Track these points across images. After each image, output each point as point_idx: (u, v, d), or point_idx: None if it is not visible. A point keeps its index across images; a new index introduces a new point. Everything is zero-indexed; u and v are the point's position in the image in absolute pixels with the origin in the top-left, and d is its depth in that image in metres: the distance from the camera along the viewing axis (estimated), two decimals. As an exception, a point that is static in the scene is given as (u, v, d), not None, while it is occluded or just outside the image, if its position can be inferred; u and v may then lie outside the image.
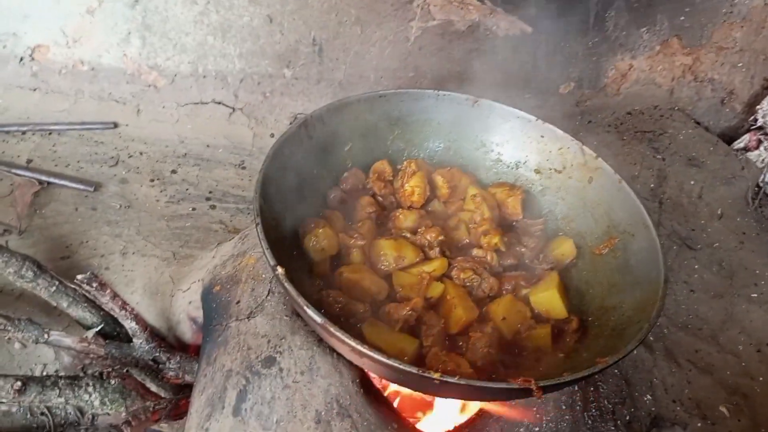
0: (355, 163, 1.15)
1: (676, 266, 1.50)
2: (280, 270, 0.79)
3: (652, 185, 1.69)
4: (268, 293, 0.99)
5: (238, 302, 1.00)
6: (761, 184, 1.75)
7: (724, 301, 1.43)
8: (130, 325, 1.17)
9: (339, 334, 0.73)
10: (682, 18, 1.77)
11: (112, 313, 1.18)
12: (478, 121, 1.21)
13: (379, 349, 0.73)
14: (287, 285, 0.78)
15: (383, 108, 1.15)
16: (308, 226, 0.98)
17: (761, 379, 1.28)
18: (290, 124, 1.67)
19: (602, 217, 1.08)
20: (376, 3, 1.58)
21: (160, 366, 1.23)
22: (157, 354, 1.21)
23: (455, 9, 1.61)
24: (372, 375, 0.97)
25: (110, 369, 1.16)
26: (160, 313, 1.34)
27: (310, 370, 0.88)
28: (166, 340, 1.31)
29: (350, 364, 0.91)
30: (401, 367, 0.71)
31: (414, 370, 0.71)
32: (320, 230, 0.96)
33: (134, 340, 1.20)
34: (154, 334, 1.24)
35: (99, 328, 1.20)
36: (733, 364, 1.30)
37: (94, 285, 1.09)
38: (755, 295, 1.46)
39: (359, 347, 0.72)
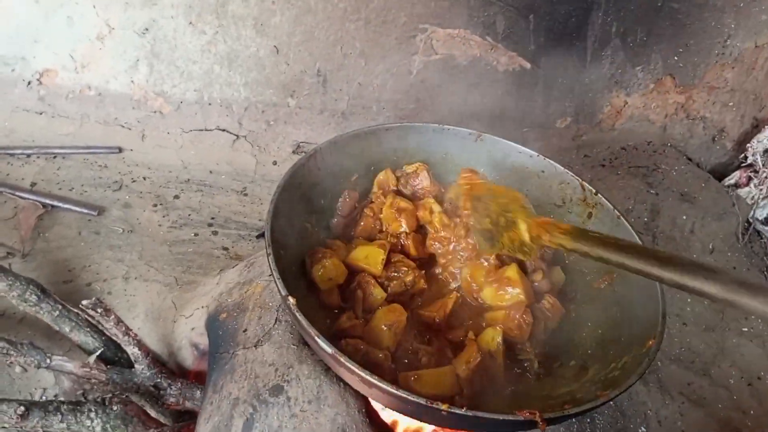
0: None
1: (668, 299, 1.51)
2: (291, 300, 0.81)
3: (645, 219, 1.73)
4: (275, 321, 1.00)
5: (245, 330, 1.01)
6: (751, 220, 1.80)
7: (716, 335, 1.46)
8: (132, 350, 1.18)
9: (349, 364, 0.75)
10: (676, 58, 1.83)
11: (114, 338, 1.18)
12: (480, 155, 1.24)
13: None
14: (298, 315, 0.79)
15: (388, 140, 1.18)
16: (315, 256, 1.00)
17: (752, 412, 1.30)
18: (293, 152, 1.70)
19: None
20: (380, 36, 1.62)
21: (161, 392, 1.23)
22: (159, 380, 1.21)
23: (457, 44, 1.66)
24: (375, 405, 0.98)
25: (111, 395, 1.16)
26: (162, 339, 1.34)
27: (317, 399, 0.89)
28: (166, 366, 1.32)
29: (356, 393, 0.92)
30: (410, 398, 0.73)
31: (422, 401, 0.72)
32: (327, 261, 0.97)
33: (136, 365, 1.20)
34: (155, 360, 1.24)
35: (100, 352, 1.20)
36: (725, 397, 1.32)
37: (99, 310, 1.10)
38: (746, 329, 1.49)
39: (369, 378, 0.74)
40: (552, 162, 1.19)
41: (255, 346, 0.97)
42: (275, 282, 0.84)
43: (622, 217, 1.08)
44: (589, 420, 1.10)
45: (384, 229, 1.09)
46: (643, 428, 1.19)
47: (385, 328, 0.90)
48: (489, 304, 1.01)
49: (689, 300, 1.54)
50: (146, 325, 1.34)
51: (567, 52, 1.74)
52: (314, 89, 1.67)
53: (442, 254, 1.07)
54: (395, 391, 0.73)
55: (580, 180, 1.15)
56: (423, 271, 1.04)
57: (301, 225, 1.03)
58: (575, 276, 1.12)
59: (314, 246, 1.03)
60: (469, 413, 0.73)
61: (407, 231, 1.07)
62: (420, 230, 1.12)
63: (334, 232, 1.11)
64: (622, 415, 1.17)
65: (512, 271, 1.00)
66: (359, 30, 1.59)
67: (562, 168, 1.18)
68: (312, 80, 1.65)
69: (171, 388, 1.22)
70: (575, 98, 1.83)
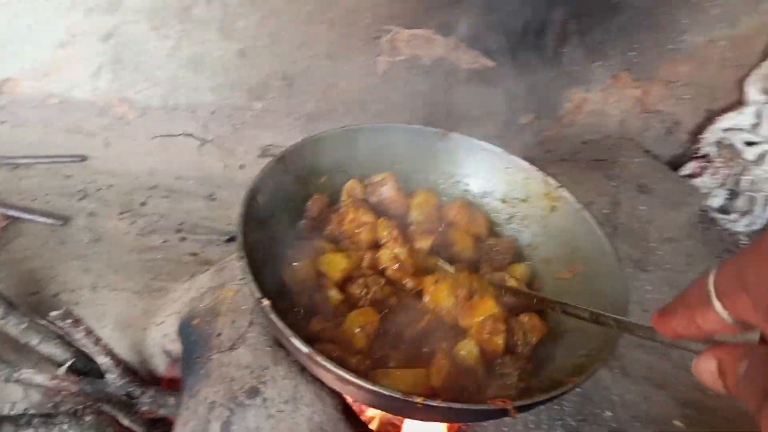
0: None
1: (631, 287, 1.57)
2: (266, 302, 0.82)
3: (606, 211, 1.78)
4: (249, 324, 1.01)
5: (219, 334, 1.01)
6: (706, 209, 1.87)
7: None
8: (103, 360, 1.16)
9: (325, 363, 0.76)
10: (632, 53, 1.88)
11: (84, 349, 1.17)
12: (445, 154, 1.26)
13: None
14: (273, 317, 0.80)
15: (355, 141, 1.20)
16: (287, 258, 1.00)
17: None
18: (260, 155, 1.70)
19: (565, 244, 1.14)
20: (346, 38, 1.63)
21: (134, 401, 1.22)
22: (131, 389, 1.20)
23: (421, 44, 1.68)
24: (351, 401, 0.99)
25: (83, 405, 1.15)
26: (132, 347, 1.34)
27: (294, 399, 0.90)
28: (138, 374, 1.31)
29: (332, 391, 0.93)
30: (385, 392, 0.74)
31: (398, 395, 0.74)
32: (297, 263, 0.98)
33: (107, 375, 1.18)
34: (127, 369, 1.23)
35: (70, 363, 1.19)
36: (685, 379, 1.37)
37: (68, 321, 1.09)
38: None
39: (345, 375, 0.75)
40: (516, 158, 1.22)
41: (230, 350, 0.97)
42: (249, 285, 0.84)
43: (584, 210, 1.11)
44: (557, 406, 1.14)
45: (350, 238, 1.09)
46: (608, 412, 1.22)
47: (357, 330, 0.91)
48: (461, 323, 1.00)
49: (649, 287, 1.58)
50: (116, 333, 1.33)
51: (528, 50, 1.78)
52: (280, 92, 1.67)
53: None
54: (371, 387, 0.74)
55: (543, 174, 1.19)
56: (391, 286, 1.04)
57: (271, 227, 1.04)
58: (540, 268, 1.16)
59: (285, 248, 1.04)
60: (443, 404, 0.75)
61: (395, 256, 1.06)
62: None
63: (302, 234, 1.11)
64: (589, 400, 1.20)
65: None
66: (324, 32, 1.60)
67: (526, 163, 1.21)
68: (278, 83, 1.66)
69: (144, 396, 1.22)
70: (537, 95, 1.87)
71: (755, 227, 1.94)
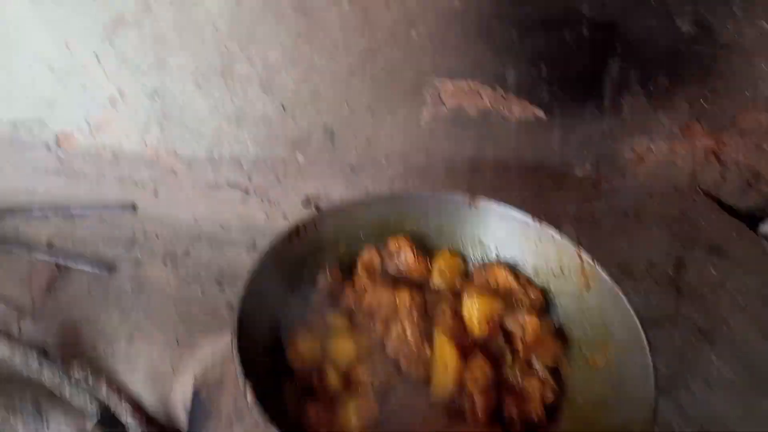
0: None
1: (694, 361, 1.43)
2: (249, 393, 0.79)
3: (670, 272, 1.63)
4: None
5: (220, 410, 1.00)
6: (788, 275, 1.67)
7: (743, 398, 1.35)
8: (127, 420, 1.19)
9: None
10: (703, 102, 1.74)
11: (110, 406, 1.20)
12: (475, 220, 1.20)
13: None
14: (257, 407, 0.77)
15: (378, 209, 1.16)
16: (290, 337, 0.98)
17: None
18: (303, 206, 1.70)
19: (599, 326, 1.04)
20: (387, 91, 1.61)
21: (158, 458, 1.23)
22: (155, 446, 1.22)
23: (467, 96, 1.63)
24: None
25: (108, 461, 1.17)
26: (161, 399, 1.35)
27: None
28: (166, 429, 1.32)
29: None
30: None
31: None
32: (303, 344, 0.95)
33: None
34: (153, 424, 1.25)
35: (97, 420, 1.22)
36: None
37: (90, 382, 1.11)
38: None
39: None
40: (549, 229, 1.14)
41: (227, 428, 0.95)
42: (236, 367, 0.82)
43: (620, 293, 1.01)
44: None
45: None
46: None
47: (354, 420, 0.87)
48: None
49: (715, 361, 1.43)
50: (147, 386, 1.35)
51: (583, 99, 1.68)
52: (322, 144, 1.67)
53: None
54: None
55: (578, 249, 1.10)
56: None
57: (279, 299, 1.02)
58: (572, 351, 1.07)
59: (292, 323, 1.01)
60: None
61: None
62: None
63: (313, 306, 1.09)
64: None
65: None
66: (365, 85, 1.59)
67: (560, 236, 1.12)
68: (319, 135, 1.66)
69: (166, 455, 1.23)
70: (594, 146, 1.76)
71: None
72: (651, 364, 0.91)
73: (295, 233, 1.05)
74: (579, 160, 1.80)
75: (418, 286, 1.10)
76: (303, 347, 0.96)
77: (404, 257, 1.12)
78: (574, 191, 1.82)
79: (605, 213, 1.81)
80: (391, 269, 1.13)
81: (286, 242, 1.03)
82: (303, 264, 1.08)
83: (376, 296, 1.04)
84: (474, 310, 1.03)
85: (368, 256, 1.13)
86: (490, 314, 1.04)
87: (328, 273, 1.09)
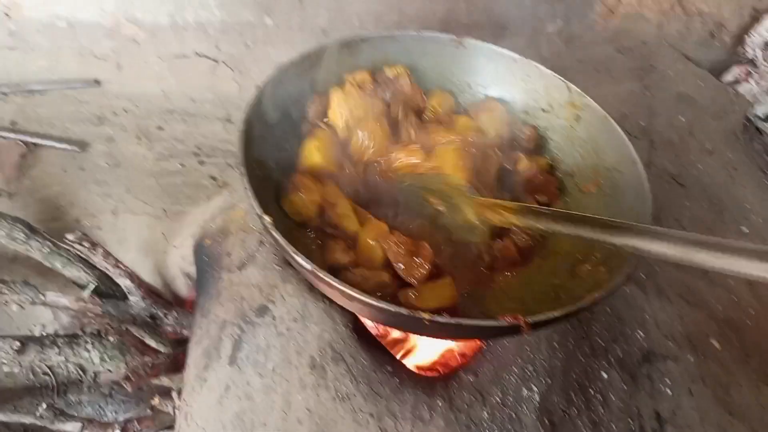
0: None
1: (667, 203, 1.50)
2: (267, 219, 0.79)
3: (642, 123, 1.68)
4: (259, 244, 0.99)
5: (230, 254, 1.00)
6: (751, 118, 1.74)
7: (712, 234, 1.44)
8: (124, 282, 1.18)
9: (328, 279, 0.74)
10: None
11: (106, 271, 1.18)
12: (462, 62, 1.19)
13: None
14: (275, 234, 0.78)
15: (366, 52, 1.13)
16: (286, 187, 0.96)
17: (752, 311, 1.30)
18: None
19: (590, 155, 1.07)
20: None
21: (158, 322, 1.25)
22: (154, 310, 1.22)
23: (439, -52, 1.57)
24: (363, 319, 0.98)
25: (108, 327, 1.17)
26: (155, 270, 1.35)
27: (302, 317, 0.89)
28: (162, 297, 1.33)
29: (342, 309, 0.92)
30: (391, 309, 0.72)
31: (404, 311, 0.72)
32: (296, 195, 0.93)
33: (129, 297, 1.20)
34: (151, 291, 1.25)
35: (93, 287, 1.21)
36: (724, 298, 1.31)
37: (86, 244, 1.09)
38: (746, 229, 1.47)
39: (349, 291, 0.73)
40: (536, 64, 1.14)
41: (239, 269, 0.96)
42: (251, 202, 0.82)
43: (609, 118, 1.04)
44: (585, 327, 1.10)
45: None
46: (640, 332, 1.18)
47: (372, 244, 0.88)
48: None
49: (687, 203, 1.51)
50: (139, 257, 1.34)
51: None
52: (291, 6, 1.58)
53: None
54: (376, 303, 0.72)
55: (566, 81, 1.11)
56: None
57: (275, 141, 1.00)
58: (564, 181, 1.10)
59: (291, 162, 1.00)
60: (451, 320, 0.72)
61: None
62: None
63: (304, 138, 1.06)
64: (619, 320, 1.16)
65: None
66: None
67: (548, 70, 1.12)
68: (288, -4, 1.57)
69: (167, 318, 1.24)
70: (565, 0, 1.74)
71: (805, 136, 1.81)
72: (645, 176, 0.94)
73: (285, 71, 1.01)
74: (550, 16, 1.78)
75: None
76: (295, 200, 0.94)
77: (402, 83, 1.09)
78: (546, 48, 1.81)
79: (578, 69, 1.82)
80: (384, 95, 1.10)
81: (275, 82, 0.99)
82: (291, 105, 1.04)
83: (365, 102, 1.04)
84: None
85: (361, 76, 1.10)
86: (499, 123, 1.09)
87: (315, 101, 1.06)
